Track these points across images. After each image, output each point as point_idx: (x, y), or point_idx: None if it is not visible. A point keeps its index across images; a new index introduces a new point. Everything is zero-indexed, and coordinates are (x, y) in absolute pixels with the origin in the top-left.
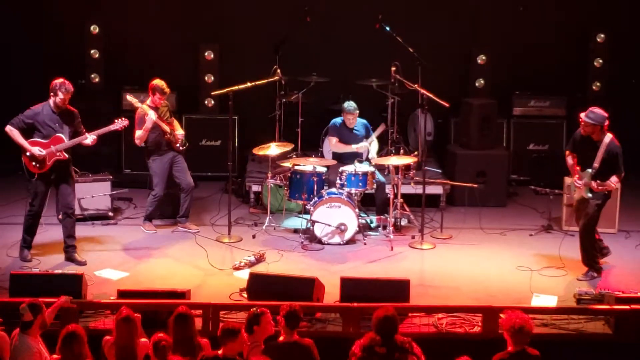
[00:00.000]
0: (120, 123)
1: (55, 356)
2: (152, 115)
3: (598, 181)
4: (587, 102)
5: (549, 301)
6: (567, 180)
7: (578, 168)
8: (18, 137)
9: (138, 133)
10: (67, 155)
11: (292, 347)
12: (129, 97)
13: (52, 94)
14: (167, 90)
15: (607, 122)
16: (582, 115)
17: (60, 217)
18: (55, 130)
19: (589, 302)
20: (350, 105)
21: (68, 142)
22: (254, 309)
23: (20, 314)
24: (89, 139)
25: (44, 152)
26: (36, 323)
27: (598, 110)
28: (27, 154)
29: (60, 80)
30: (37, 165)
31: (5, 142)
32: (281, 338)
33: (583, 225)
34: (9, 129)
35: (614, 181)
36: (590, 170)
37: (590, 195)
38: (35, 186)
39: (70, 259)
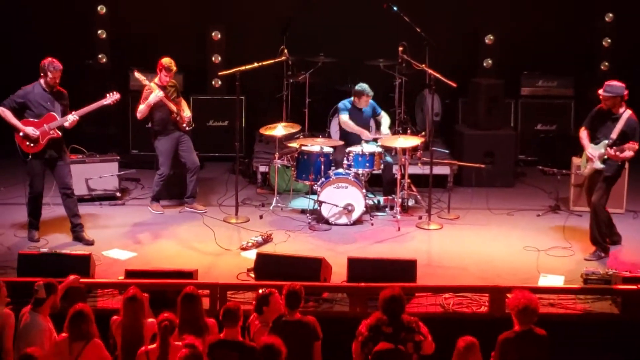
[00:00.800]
0: (111, 97)
1: (63, 334)
2: (157, 93)
3: (614, 147)
4: (596, 82)
5: (556, 281)
6: (575, 160)
7: (589, 143)
8: (10, 118)
9: (140, 107)
10: (60, 133)
11: (296, 325)
12: (137, 75)
13: (42, 73)
14: (174, 67)
15: (626, 92)
16: (600, 91)
17: (63, 200)
18: (47, 109)
19: (596, 282)
20: (364, 87)
21: (60, 119)
22: (263, 289)
23: (35, 290)
24: (70, 118)
25: (37, 132)
26: (48, 302)
27: (615, 83)
28: (21, 134)
29: (49, 59)
30: (31, 144)
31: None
32: (284, 317)
33: (596, 200)
34: (1, 110)
35: (630, 147)
36: (606, 141)
37: (603, 165)
38: (32, 167)
39: (78, 238)
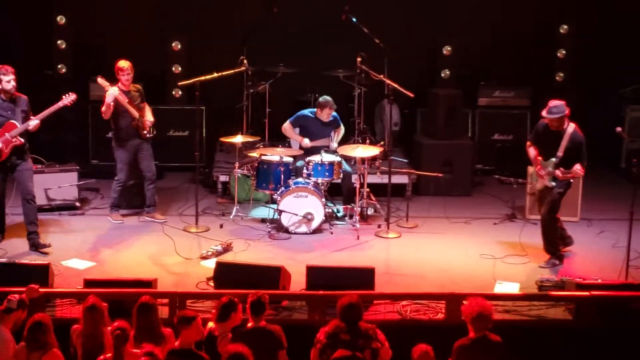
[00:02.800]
0: (67, 98)
1: (22, 344)
2: (113, 91)
3: (562, 168)
4: (551, 92)
5: (511, 288)
6: (530, 169)
7: (540, 158)
8: None
9: (103, 108)
10: (22, 140)
11: (260, 333)
12: (100, 80)
13: None
14: (128, 66)
15: (567, 110)
16: (544, 113)
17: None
18: (7, 118)
19: (550, 288)
20: (328, 99)
21: (21, 126)
22: (228, 297)
23: (8, 300)
24: (32, 124)
25: (0, 143)
26: (13, 315)
27: (556, 103)
28: None
29: None
30: None
31: None
32: (249, 324)
33: (545, 213)
34: None
35: (578, 168)
36: (554, 159)
37: (554, 183)
38: None
39: (34, 245)
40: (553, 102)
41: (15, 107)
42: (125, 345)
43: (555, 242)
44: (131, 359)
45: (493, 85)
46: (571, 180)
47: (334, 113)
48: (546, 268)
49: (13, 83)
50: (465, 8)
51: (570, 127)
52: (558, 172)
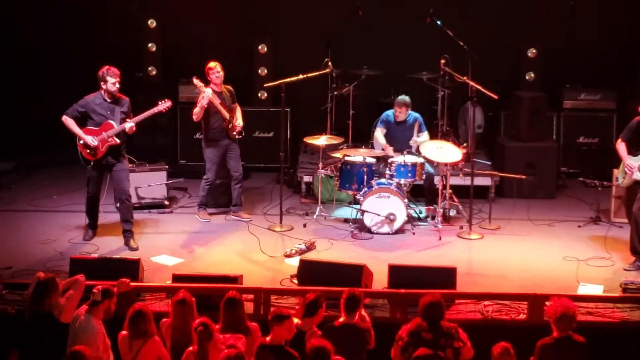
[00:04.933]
0: (163, 105)
1: (123, 332)
2: (208, 93)
3: None
4: (638, 95)
5: (595, 290)
6: (616, 172)
7: (629, 156)
8: (73, 126)
9: (196, 109)
10: (118, 140)
11: (350, 329)
12: (196, 81)
13: (101, 82)
14: (219, 67)
15: None
16: None
17: (117, 205)
18: (106, 117)
19: (635, 291)
20: (399, 98)
21: (117, 127)
22: (315, 294)
23: (93, 293)
24: (127, 126)
25: (96, 141)
26: (102, 306)
27: None
28: (81, 141)
29: (105, 67)
30: (91, 152)
31: (64, 133)
32: (341, 319)
33: (635, 211)
34: (64, 118)
35: None
36: None
37: (634, 180)
38: (90, 172)
39: (126, 243)
40: None
41: (116, 108)
42: (209, 341)
43: None
44: (218, 352)
45: (579, 88)
46: None
47: (417, 116)
48: (631, 270)
49: (118, 85)
50: (551, 10)
51: None
52: None
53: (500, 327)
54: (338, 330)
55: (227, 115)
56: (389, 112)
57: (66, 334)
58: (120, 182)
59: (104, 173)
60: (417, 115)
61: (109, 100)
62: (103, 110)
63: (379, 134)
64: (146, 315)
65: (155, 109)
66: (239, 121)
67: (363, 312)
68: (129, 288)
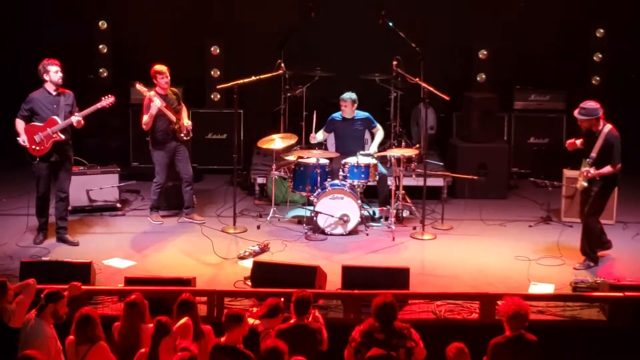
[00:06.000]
0: (106, 100)
1: (70, 337)
2: (157, 102)
3: (594, 168)
4: (587, 96)
5: (545, 289)
6: (566, 172)
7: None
8: (19, 126)
9: (145, 118)
10: (63, 137)
11: (302, 330)
12: (138, 86)
13: (44, 75)
14: (165, 70)
15: (601, 113)
16: (575, 113)
17: (55, 202)
18: (52, 112)
19: (585, 289)
20: (348, 93)
21: (62, 123)
22: (277, 299)
23: (41, 297)
24: (74, 120)
25: (41, 136)
26: (48, 310)
27: (589, 105)
28: (19, 139)
29: (44, 61)
30: (37, 148)
31: (11, 137)
32: (292, 321)
33: (586, 215)
34: (16, 121)
35: (605, 170)
36: (589, 160)
37: (585, 184)
38: (38, 169)
39: (61, 239)
40: (585, 103)
41: (61, 101)
42: (164, 338)
43: (593, 244)
44: (168, 355)
45: (529, 89)
46: (603, 181)
47: (365, 113)
48: (580, 270)
49: (60, 74)
50: (502, 11)
51: (606, 128)
52: (584, 171)
53: (452, 327)
54: (289, 332)
55: (173, 117)
56: (336, 114)
57: (16, 338)
58: (62, 181)
59: (50, 171)
60: (366, 113)
61: (54, 94)
62: (49, 104)
63: (320, 134)
64: (93, 320)
65: (98, 105)
66: (186, 121)
67: (317, 313)
68: (81, 291)
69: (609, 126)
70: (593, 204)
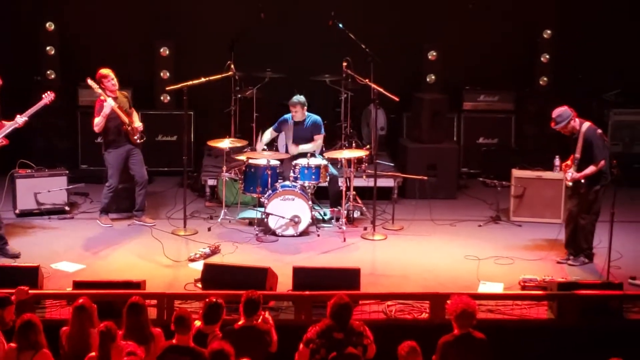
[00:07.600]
0: (47, 97)
1: (12, 344)
2: (110, 102)
3: (571, 171)
4: (535, 97)
5: (495, 288)
6: (515, 172)
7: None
8: None
9: (96, 120)
10: (6, 141)
11: (250, 332)
12: (90, 81)
13: None
14: (108, 71)
15: (573, 114)
16: (553, 126)
17: None
18: None
19: (533, 288)
20: (293, 98)
21: (8, 124)
22: (215, 299)
23: None
24: (20, 120)
25: None
26: None
27: (558, 111)
28: None
29: None
30: None
31: None
32: (240, 322)
33: (580, 212)
34: None
35: (589, 171)
36: (575, 161)
37: (570, 184)
38: None
39: (1, 252)
40: (554, 112)
41: None
42: (111, 343)
43: (590, 240)
44: (119, 358)
45: (478, 90)
46: (597, 181)
47: (317, 119)
48: (563, 263)
49: None
50: (450, 13)
51: (584, 127)
52: (567, 175)
53: (403, 327)
54: (238, 333)
55: (125, 119)
56: (288, 115)
57: None
58: None
59: None
60: (316, 118)
61: None
62: None
63: (267, 133)
64: (35, 326)
65: (41, 103)
66: (137, 124)
67: (267, 314)
68: (28, 296)
69: (586, 124)
70: (584, 206)
